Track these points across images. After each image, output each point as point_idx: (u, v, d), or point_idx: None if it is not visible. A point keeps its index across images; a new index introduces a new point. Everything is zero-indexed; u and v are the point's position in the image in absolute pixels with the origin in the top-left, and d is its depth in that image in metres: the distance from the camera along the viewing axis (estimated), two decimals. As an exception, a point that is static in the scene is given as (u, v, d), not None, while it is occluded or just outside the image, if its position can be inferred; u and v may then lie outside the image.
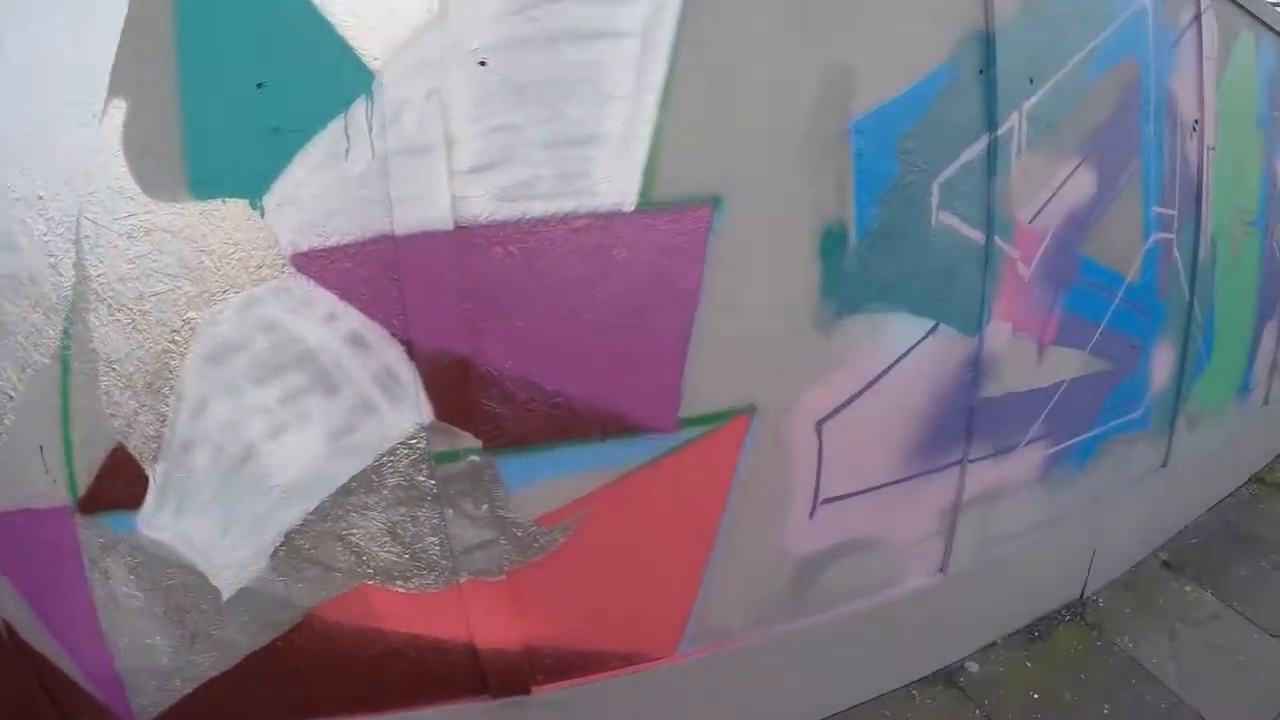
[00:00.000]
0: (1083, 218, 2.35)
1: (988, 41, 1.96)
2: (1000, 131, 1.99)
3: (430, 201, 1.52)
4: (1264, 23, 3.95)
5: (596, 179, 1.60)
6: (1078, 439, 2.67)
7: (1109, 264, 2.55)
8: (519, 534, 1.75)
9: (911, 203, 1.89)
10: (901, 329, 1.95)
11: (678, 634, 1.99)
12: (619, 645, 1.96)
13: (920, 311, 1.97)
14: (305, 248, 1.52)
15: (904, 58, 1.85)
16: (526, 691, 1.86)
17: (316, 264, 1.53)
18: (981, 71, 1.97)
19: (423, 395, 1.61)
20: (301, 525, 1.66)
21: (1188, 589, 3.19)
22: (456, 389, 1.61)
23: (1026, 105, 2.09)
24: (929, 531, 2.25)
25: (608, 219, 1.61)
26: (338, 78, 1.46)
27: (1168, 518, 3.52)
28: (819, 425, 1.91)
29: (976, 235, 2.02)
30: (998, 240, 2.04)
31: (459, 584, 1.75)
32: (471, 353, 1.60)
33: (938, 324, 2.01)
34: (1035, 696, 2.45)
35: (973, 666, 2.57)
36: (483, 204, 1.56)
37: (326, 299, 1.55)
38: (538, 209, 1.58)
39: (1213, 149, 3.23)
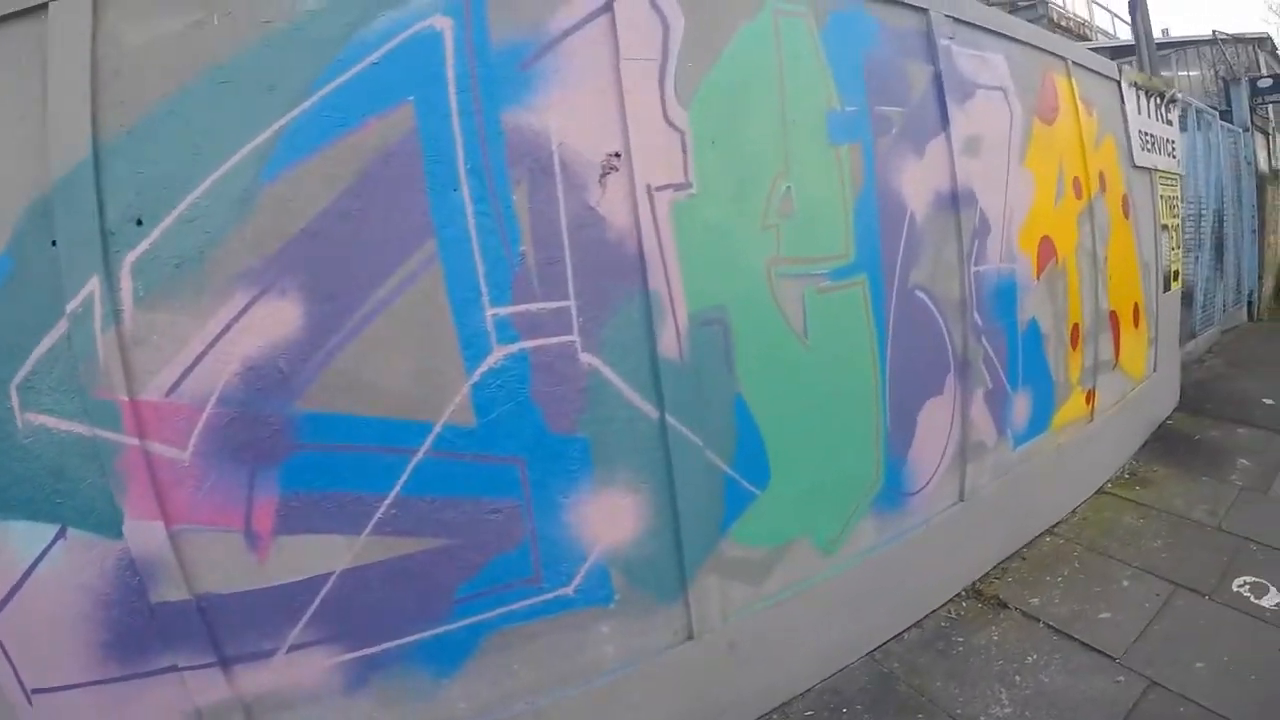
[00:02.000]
0: (285, 367, 1.77)
1: (47, 206, 1.73)
2: (72, 306, 1.72)
3: None
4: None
5: None
6: (411, 638, 1.93)
7: (379, 412, 1.80)
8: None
9: (-12, 413, 1.81)
10: (26, 536, 1.84)
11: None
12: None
13: (40, 517, 1.83)
14: None
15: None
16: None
17: None
18: (54, 243, 1.74)
19: None
20: None
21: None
22: None
23: (131, 256, 1.74)
24: (187, 737, 1.99)
25: None
26: None
27: (739, 695, 2.56)
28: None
29: (82, 429, 1.78)
30: (99, 430, 1.75)
31: None
32: None
33: (64, 528, 1.83)
34: None
35: None
36: None
37: None
38: None
39: (682, 188, 2.13)
